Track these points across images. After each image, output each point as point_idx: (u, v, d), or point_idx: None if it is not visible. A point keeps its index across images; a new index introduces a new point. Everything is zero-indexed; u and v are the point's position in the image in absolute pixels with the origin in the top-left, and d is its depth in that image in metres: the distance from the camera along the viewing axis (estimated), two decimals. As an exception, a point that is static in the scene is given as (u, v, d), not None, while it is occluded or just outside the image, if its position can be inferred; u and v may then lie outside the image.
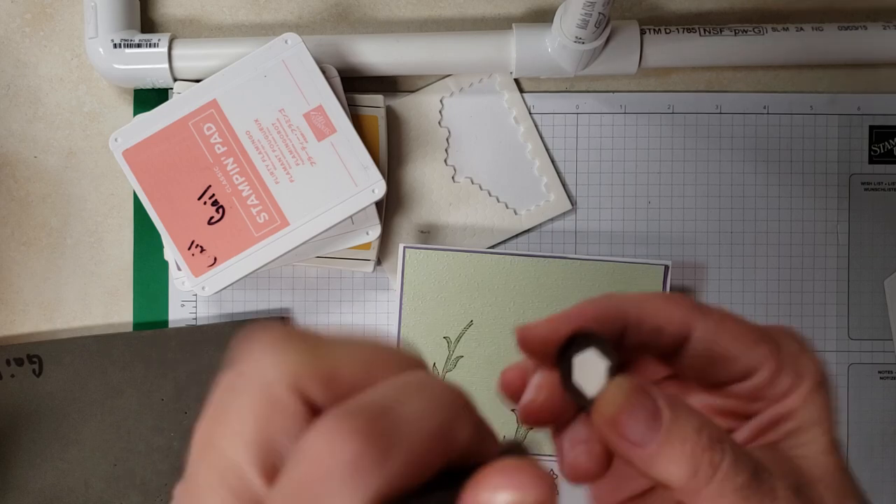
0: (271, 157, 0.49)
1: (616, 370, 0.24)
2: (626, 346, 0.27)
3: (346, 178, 0.49)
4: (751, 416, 0.27)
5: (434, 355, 0.52)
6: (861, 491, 0.26)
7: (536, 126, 0.55)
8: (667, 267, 0.52)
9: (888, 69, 0.55)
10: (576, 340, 0.25)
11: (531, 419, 0.26)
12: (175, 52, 0.51)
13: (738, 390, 0.27)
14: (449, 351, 0.52)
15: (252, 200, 0.49)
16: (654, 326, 0.27)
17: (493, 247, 0.55)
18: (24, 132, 0.55)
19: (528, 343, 0.27)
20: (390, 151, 0.54)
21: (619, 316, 0.26)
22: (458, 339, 0.52)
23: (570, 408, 0.26)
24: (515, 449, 0.23)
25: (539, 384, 0.27)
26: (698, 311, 0.27)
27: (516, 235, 0.55)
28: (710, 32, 0.52)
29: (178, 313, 0.54)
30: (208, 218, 0.49)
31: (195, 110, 0.49)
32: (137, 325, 0.55)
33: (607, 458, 0.26)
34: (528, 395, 0.27)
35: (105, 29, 0.51)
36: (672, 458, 0.24)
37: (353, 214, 0.49)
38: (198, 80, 0.51)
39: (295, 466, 0.18)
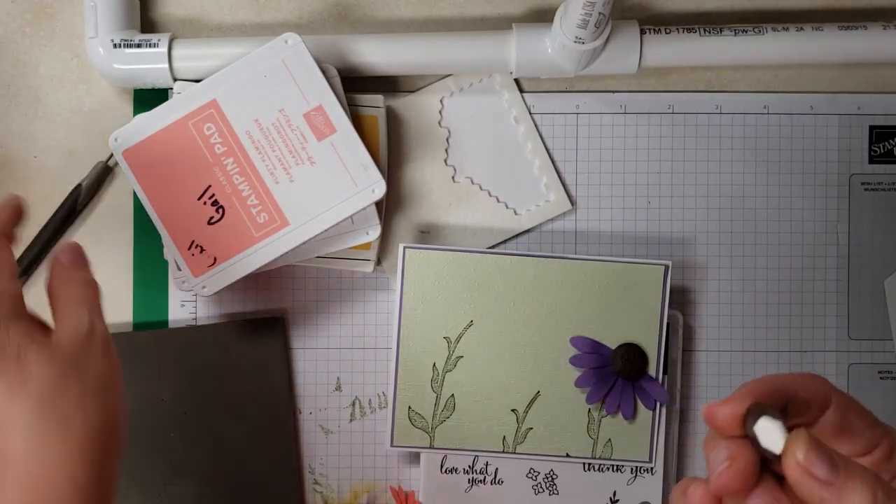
0: (271, 157, 0.49)
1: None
2: (786, 416, 0.31)
3: (346, 178, 0.49)
4: None
5: (434, 355, 0.52)
6: None
7: (536, 126, 0.55)
8: (667, 267, 0.52)
9: (888, 69, 0.55)
10: (751, 411, 0.30)
11: (732, 485, 0.30)
12: (175, 52, 0.51)
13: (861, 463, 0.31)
14: (449, 351, 0.52)
15: (252, 200, 0.49)
16: (805, 398, 0.32)
17: (493, 247, 0.55)
18: (24, 132, 0.55)
19: (718, 420, 0.31)
20: (390, 151, 0.54)
21: (782, 391, 0.31)
22: (458, 339, 0.52)
23: (755, 472, 0.30)
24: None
25: (730, 454, 0.30)
26: (834, 388, 0.32)
27: (516, 235, 0.55)
28: (710, 32, 0.52)
29: (178, 313, 0.54)
30: (208, 218, 0.49)
31: (195, 110, 0.49)
32: (137, 325, 0.55)
33: None
34: (723, 465, 0.30)
35: (105, 29, 0.51)
36: (855, 488, 0.28)
37: (353, 214, 0.49)
38: (198, 80, 0.51)
39: None
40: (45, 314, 0.54)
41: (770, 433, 0.29)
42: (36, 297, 0.54)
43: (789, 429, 0.30)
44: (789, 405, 0.32)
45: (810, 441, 0.29)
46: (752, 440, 0.30)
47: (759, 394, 0.31)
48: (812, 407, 0.32)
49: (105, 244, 0.55)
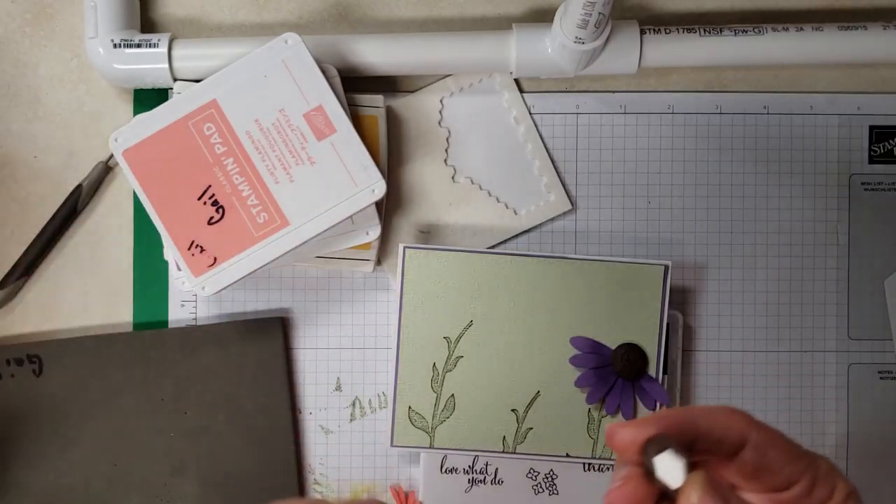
0: (271, 157, 0.49)
1: (688, 468, 0.30)
2: (694, 451, 0.32)
3: (346, 178, 0.49)
4: None
5: (434, 355, 0.52)
6: None
7: (536, 126, 0.55)
8: (667, 267, 0.52)
9: (888, 69, 0.55)
10: (654, 441, 0.30)
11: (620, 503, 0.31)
12: (175, 52, 0.51)
13: (780, 498, 0.32)
14: (449, 351, 0.52)
15: (252, 200, 0.49)
16: (718, 437, 0.32)
17: (493, 247, 0.55)
18: (24, 132, 0.55)
19: (615, 441, 0.32)
20: (390, 151, 0.54)
21: (692, 426, 0.32)
22: (458, 339, 0.52)
23: (645, 496, 0.31)
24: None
25: (626, 475, 0.31)
26: (754, 424, 0.32)
27: (516, 235, 0.55)
28: (710, 32, 0.52)
29: (178, 313, 0.54)
30: (208, 218, 0.49)
31: (195, 110, 0.49)
32: (137, 325, 0.55)
33: None
34: (616, 483, 0.31)
35: (105, 29, 0.51)
36: None
37: (353, 214, 0.49)
38: (198, 80, 0.51)
39: None
40: (44, 312, 0.54)
41: (670, 467, 0.30)
42: (37, 296, 0.55)
43: (695, 464, 0.30)
44: (699, 440, 0.32)
45: (706, 485, 0.29)
46: (647, 470, 0.30)
47: (667, 424, 0.31)
48: (725, 444, 0.32)
49: (105, 244, 0.55)
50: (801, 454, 0.33)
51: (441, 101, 0.55)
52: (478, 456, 0.53)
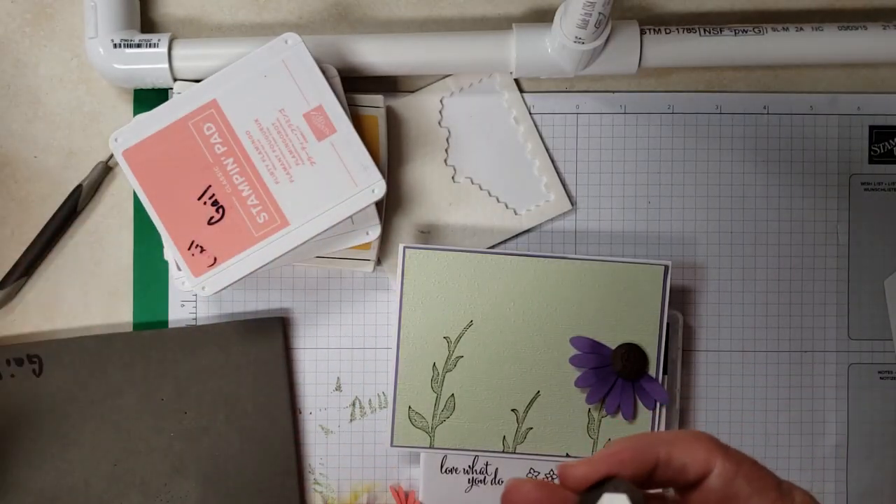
0: (271, 157, 0.49)
1: None
2: (654, 480, 0.30)
3: (346, 178, 0.49)
4: None
5: (434, 355, 0.52)
6: None
7: (536, 126, 0.55)
8: (667, 267, 0.52)
9: (888, 69, 0.55)
10: (610, 481, 0.28)
11: None
12: (175, 52, 0.51)
13: None
14: (449, 351, 0.52)
15: (252, 200, 0.49)
16: (680, 464, 0.30)
17: (493, 247, 0.55)
18: (24, 132, 0.55)
19: (569, 480, 0.29)
20: (390, 151, 0.54)
21: (651, 456, 0.30)
22: (458, 339, 0.52)
23: None
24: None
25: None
26: (720, 450, 0.30)
27: (516, 235, 0.55)
28: (710, 32, 0.52)
29: (178, 313, 0.54)
30: (208, 218, 0.49)
31: (195, 110, 0.49)
32: (137, 325, 0.55)
33: None
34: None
35: (105, 29, 0.51)
36: None
37: (353, 214, 0.49)
38: (198, 80, 0.51)
39: None
40: (44, 312, 0.54)
41: None
42: (37, 296, 0.55)
43: (656, 496, 0.29)
44: (659, 469, 0.30)
45: None
46: None
47: (622, 459, 0.30)
48: (689, 473, 0.30)
49: (105, 244, 0.55)
50: (773, 484, 0.30)
51: (441, 101, 0.55)
52: (478, 456, 0.53)
